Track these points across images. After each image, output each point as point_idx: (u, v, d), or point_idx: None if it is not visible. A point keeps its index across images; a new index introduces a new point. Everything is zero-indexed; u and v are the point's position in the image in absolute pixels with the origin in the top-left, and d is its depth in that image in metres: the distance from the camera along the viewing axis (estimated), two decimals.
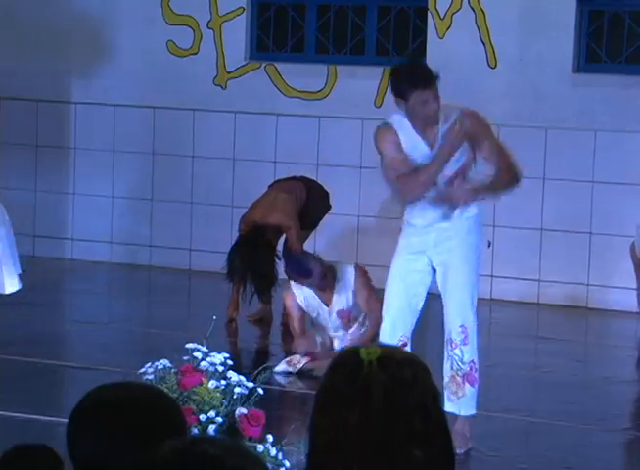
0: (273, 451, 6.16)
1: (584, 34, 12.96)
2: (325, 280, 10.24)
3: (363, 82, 13.36)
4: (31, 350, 10.16)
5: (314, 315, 10.32)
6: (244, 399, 6.30)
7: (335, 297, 10.25)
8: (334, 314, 10.20)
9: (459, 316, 8.31)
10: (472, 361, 8.18)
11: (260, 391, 6.41)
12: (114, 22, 14.25)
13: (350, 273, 10.30)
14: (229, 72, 13.91)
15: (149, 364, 6.40)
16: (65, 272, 13.98)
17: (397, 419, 2.76)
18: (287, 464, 6.08)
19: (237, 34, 13.93)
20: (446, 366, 8.37)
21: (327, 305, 10.26)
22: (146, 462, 2.47)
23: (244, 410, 6.23)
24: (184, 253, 14.07)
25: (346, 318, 10.15)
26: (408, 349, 8.04)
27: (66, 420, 3.34)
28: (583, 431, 9.03)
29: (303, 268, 10.20)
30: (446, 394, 8.27)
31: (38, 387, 9.16)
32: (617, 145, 12.56)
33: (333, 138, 13.33)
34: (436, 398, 2.85)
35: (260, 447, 6.10)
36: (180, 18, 14.07)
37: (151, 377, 6.32)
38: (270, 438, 6.25)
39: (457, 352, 8.34)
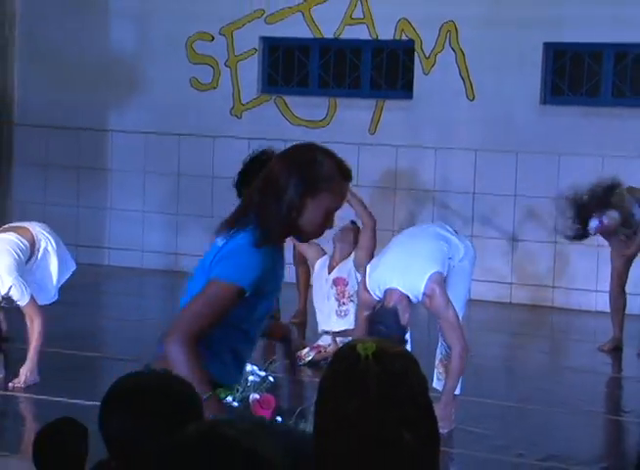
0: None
1: (549, 71, 12.95)
2: None
3: (359, 113, 13.34)
4: (72, 343, 10.14)
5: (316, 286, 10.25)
6: (256, 386, 6.26)
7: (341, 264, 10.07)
8: (331, 281, 10.06)
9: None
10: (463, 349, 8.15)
11: (271, 379, 6.36)
12: (145, 60, 14.26)
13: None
14: (244, 104, 13.92)
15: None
16: (102, 276, 13.99)
17: (390, 406, 2.74)
18: None
19: (250, 72, 13.94)
20: (437, 351, 8.38)
21: (329, 272, 10.14)
22: (173, 442, 2.38)
23: (256, 396, 6.20)
24: None
25: (341, 286, 9.96)
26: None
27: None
28: (549, 413, 9.02)
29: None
30: (435, 373, 8.31)
31: (77, 375, 9.15)
32: (577, 167, 12.52)
33: None
34: (424, 387, 2.83)
35: None
36: (201, 57, 14.08)
37: None
38: (279, 419, 6.19)
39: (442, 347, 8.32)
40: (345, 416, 2.75)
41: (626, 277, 10.89)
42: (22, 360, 8.94)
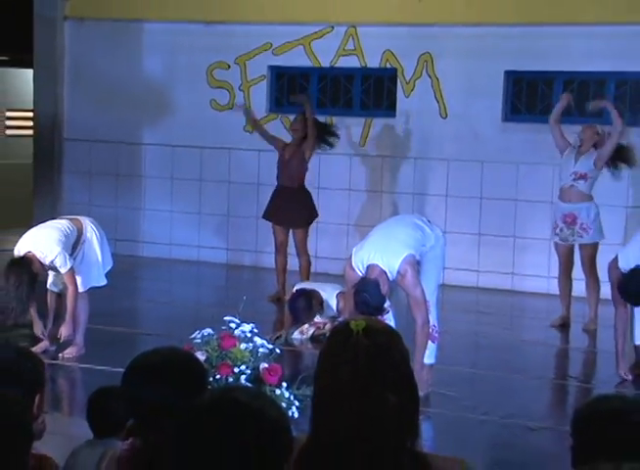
0: (287, 394, 6.14)
1: (509, 95, 12.94)
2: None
3: (351, 129, 13.33)
4: (113, 320, 10.15)
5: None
6: (265, 357, 6.27)
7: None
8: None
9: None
10: (433, 325, 8.12)
11: (278, 351, 6.37)
12: (173, 86, 14.24)
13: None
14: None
15: (197, 332, 6.37)
16: (137, 266, 13.95)
17: (376, 372, 2.78)
18: (297, 403, 6.03)
19: (260, 94, 13.92)
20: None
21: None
22: (193, 407, 2.40)
23: (265, 365, 6.20)
24: (224, 252, 14.04)
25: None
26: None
27: None
28: (510, 379, 9.01)
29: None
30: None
31: (116, 348, 9.13)
32: (532, 174, 12.54)
33: (329, 168, 13.29)
34: (406, 357, 2.88)
35: (278, 391, 6.08)
36: (219, 83, 14.05)
37: (199, 341, 6.28)
38: (285, 385, 6.22)
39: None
40: (340, 380, 2.78)
41: (572, 265, 10.89)
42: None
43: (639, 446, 3.11)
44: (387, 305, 7.90)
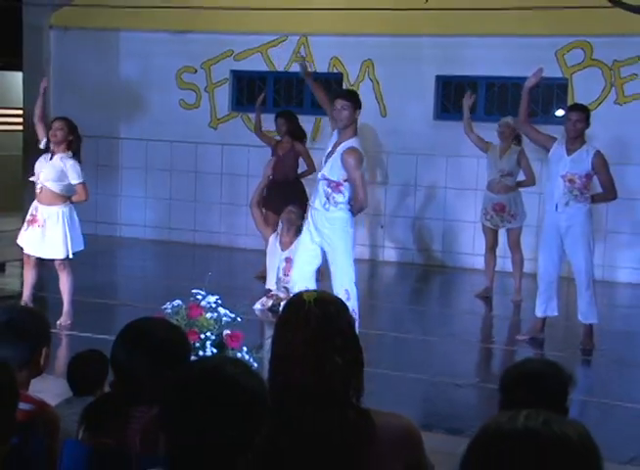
0: (247, 357, 6.10)
1: (440, 96, 12.97)
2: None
3: (304, 125, 13.29)
4: (93, 293, 10.07)
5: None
6: (228, 325, 6.24)
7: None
8: (284, 257, 9.93)
9: (341, 281, 7.82)
10: (353, 310, 8.08)
11: (239, 319, 6.33)
12: (147, 86, 14.16)
13: None
14: (218, 119, 13.87)
15: (168, 303, 6.33)
16: (115, 245, 13.92)
17: (325, 338, 2.79)
18: (255, 365, 5.98)
19: (223, 95, 13.88)
20: None
21: (282, 249, 9.99)
22: (182, 378, 2.36)
23: (228, 331, 6.17)
24: (192, 233, 14.00)
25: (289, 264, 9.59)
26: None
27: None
28: (441, 342, 9.03)
29: None
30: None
31: (96, 317, 9.08)
32: (459, 165, 12.59)
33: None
34: (352, 325, 2.90)
35: (239, 355, 6.05)
36: (187, 85, 14.00)
37: (169, 311, 6.23)
38: (245, 349, 6.19)
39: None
40: (294, 344, 2.79)
41: (497, 244, 10.93)
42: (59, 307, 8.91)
43: (557, 402, 3.19)
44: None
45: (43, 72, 14.59)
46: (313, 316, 2.81)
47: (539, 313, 8.81)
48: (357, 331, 2.87)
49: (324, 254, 7.91)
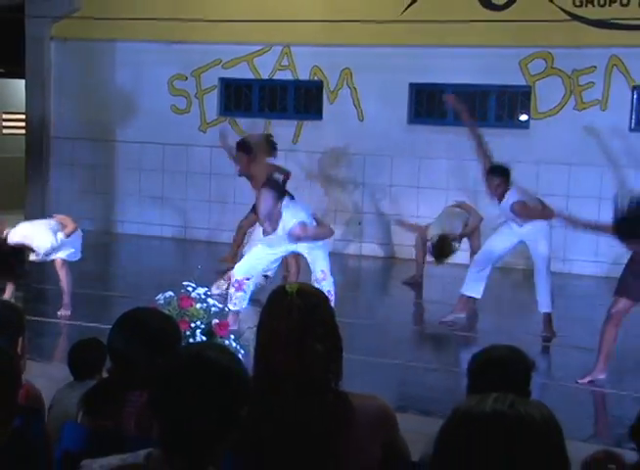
0: (233, 344, 6.09)
1: (413, 102, 12.97)
2: None
3: (286, 129, 13.30)
4: (91, 284, 10.06)
5: None
6: (217, 314, 6.23)
7: None
8: None
9: (321, 265, 8.39)
10: (328, 291, 8.22)
11: (227, 309, 6.32)
12: (140, 93, 14.10)
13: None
14: (208, 123, 13.83)
15: (161, 294, 6.31)
16: (111, 240, 13.90)
17: (307, 327, 2.78)
18: (242, 351, 5.98)
19: (212, 101, 13.85)
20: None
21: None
22: (170, 363, 2.36)
23: (217, 320, 6.16)
24: (183, 229, 13.98)
25: None
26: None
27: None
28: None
29: None
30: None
31: (94, 307, 9.06)
32: (431, 166, 12.61)
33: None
34: (332, 314, 2.89)
35: (226, 342, 6.03)
36: (179, 91, 13.96)
37: (162, 302, 6.21)
38: (232, 336, 6.18)
39: (319, 286, 8.39)
40: (278, 333, 2.78)
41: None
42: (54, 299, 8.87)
43: (520, 385, 3.21)
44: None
45: (44, 80, 14.59)
46: (295, 307, 2.80)
47: (471, 294, 9.00)
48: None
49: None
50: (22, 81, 15.16)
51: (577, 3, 11.84)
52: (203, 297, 6.24)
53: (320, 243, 8.44)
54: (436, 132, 12.61)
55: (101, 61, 14.29)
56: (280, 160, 13.31)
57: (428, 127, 12.73)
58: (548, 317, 8.76)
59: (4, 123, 17.72)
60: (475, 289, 9.04)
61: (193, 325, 6.08)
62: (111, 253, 13.48)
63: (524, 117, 12.51)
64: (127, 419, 3.09)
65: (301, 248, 8.46)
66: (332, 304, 8.02)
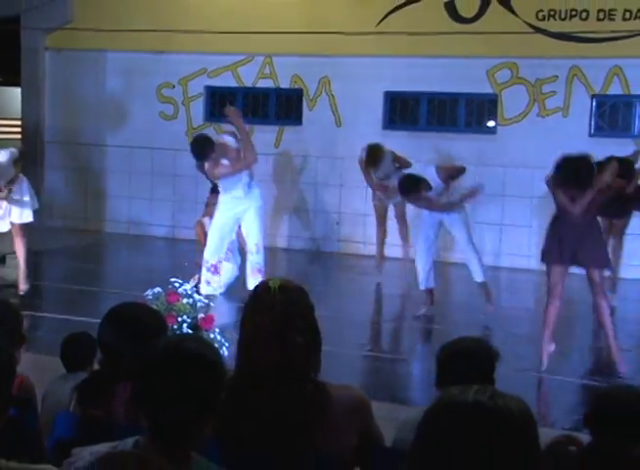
0: (218, 337, 6.07)
1: (388, 109, 12.99)
2: None
3: (268, 134, 13.29)
4: (82, 281, 10.02)
5: None
6: (202, 309, 6.21)
7: None
8: None
9: (254, 238, 8.77)
10: (258, 263, 8.31)
11: (212, 304, 6.31)
12: (130, 100, 14.06)
13: None
14: (194, 129, 13.77)
15: (149, 290, 6.28)
16: (102, 239, 13.81)
17: (288, 320, 2.79)
18: (226, 344, 5.97)
19: (198, 108, 13.83)
20: (247, 265, 8.87)
21: None
22: (148, 353, 2.35)
23: (202, 315, 6.14)
24: (171, 228, 13.93)
25: None
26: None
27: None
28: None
29: None
30: (248, 277, 8.79)
31: (84, 302, 9.01)
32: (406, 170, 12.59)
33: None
34: (312, 308, 2.90)
35: (212, 335, 6.02)
36: (166, 98, 13.92)
37: (150, 297, 6.19)
38: (217, 330, 6.16)
39: (252, 258, 8.44)
40: (261, 326, 2.80)
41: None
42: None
43: (486, 374, 3.23)
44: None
45: (39, 88, 14.53)
46: (278, 302, 2.81)
47: (426, 286, 9.07)
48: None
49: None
50: (18, 89, 15.14)
51: (540, 17, 11.89)
52: (189, 292, 6.22)
53: (256, 212, 8.74)
54: (409, 137, 12.63)
55: (93, 70, 14.24)
56: (262, 163, 13.31)
57: (401, 133, 12.74)
58: (486, 286, 8.97)
59: (1, 129, 17.65)
60: (430, 280, 9.06)
61: (180, 319, 6.05)
62: (101, 251, 13.41)
63: (491, 124, 12.55)
64: (117, 408, 3.08)
65: (245, 215, 8.78)
66: (262, 277, 8.04)
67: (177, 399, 2.21)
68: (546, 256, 7.04)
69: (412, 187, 8.48)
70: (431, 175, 8.73)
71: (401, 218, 11.20)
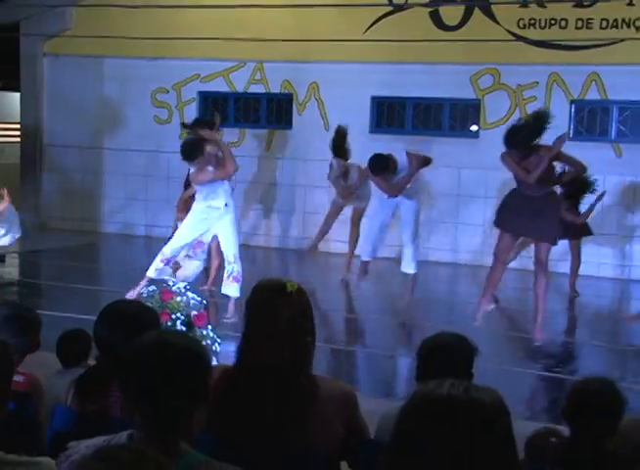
0: (211, 334, 6.07)
1: (374, 114, 13.00)
2: None
3: (259, 138, 13.31)
4: (79, 280, 9.99)
5: None
6: (195, 307, 6.20)
7: None
8: None
9: (232, 249, 8.65)
10: (237, 271, 8.34)
11: (205, 302, 6.31)
12: (126, 104, 14.04)
13: None
14: (187, 133, 13.71)
15: (145, 288, 6.28)
16: (98, 239, 13.77)
17: (303, 322, 2.90)
18: (219, 340, 5.97)
19: (191, 112, 13.78)
20: (225, 272, 8.75)
21: None
22: (132, 345, 2.35)
23: (195, 312, 6.13)
24: (166, 229, 13.91)
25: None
26: None
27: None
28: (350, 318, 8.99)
29: None
30: (224, 283, 8.67)
31: (80, 300, 8.99)
32: None
33: (243, 168, 13.21)
34: (310, 312, 2.97)
35: (205, 332, 6.01)
36: (161, 103, 13.91)
37: (145, 295, 6.19)
38: (210, 327, 6.15)
39: (230, 267, 8.47)
40: (274, 326, 2.87)
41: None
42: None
43: (465, 368, 3.25)
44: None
45: (37, 92, 14.50)
46: (295, 302, 2.88)
47: (364, 257, 9.30)
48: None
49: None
50: (18, 94, 15.11)
51: (522, 25, 11.93)
52: (182, 290, 6.21)
53: (231, 222, 8.65)
54: (395, 141, 12.61)
55: (90, 75, 14.21)
56: (254, 165, 13.33)
57: (387, 136, 12.75)
58: (414, 277, 9.09)
59: (1, 132, 17.61)
60: (369, 253, 9.34)
61: (174, 317, 6.04)
62: (97, 250, 13.37)
63: (474, 128, 12.58)
64: (113, 403, 3.08)
65: (217, 228, 8.70)
66: (238, 285, 7.98)
67: (162, 391, 2.21)
68: (500, 223, 7.16)
69: (382, 165, 8.84)
70: (401, 159, 8.97)
71: (355, 225, 11.18)
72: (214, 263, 10.06)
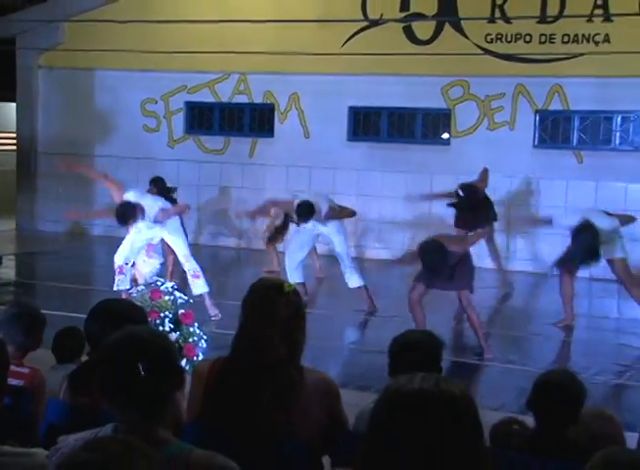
0: (198, 331, 6.05)
1: (351, 123, 13.01)
2: None
3: (243, 145, 13.29)
4: (71, 280, 9.95)
5: None
6: (182, 305, 6.18)
7: None
8: None
9: (182, 251, 8.74)
10: (194, 269, 8.58)
11: (191, 301, 6.28)
12: (116, 114, 13.99)
13: None
14: (175, 140, 13.77)
15: (134, 288, 6.25)
16: (89, 241, 13.71)
17: (297, 319, 2.91)
18: (205, 337, 5.95)
19: (179, 121, 13.78)
20: (187, 273, 8.71)
21: None
22: (108, 341, 2.33)
23: (182, 311, 6.11)
24: None
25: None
26: None
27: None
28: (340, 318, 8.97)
29: None
30: (190, 285, 8.64)
31: (73, 299, 8.95)
32: (368, 178, 12.65)
33: (228, 174, 13.25)
34: (303, 311, 3.00)
35: (192, 329, 5.98)
36: (150, 113, 13.87)
37: (135, 294, 6.16)
38: (196, 324, 6.13)
39: (186, 266, 8.60)
40: (271, 323, 2.87)
41: None
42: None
43: (434, 363, 3.27)
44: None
45: (33, 103, 14.43)
46: (292, 302, 2.90)
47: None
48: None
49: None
50: (14, 105, 15.03)
51: (489, 40, 12.00)
52: (170, 290, 6.19)
53: (174, 230, 8.73)
54: (372, 148, 12.67)
55: (82, 86, 14.16)
56: (237, 172, 13.31)
57: (364, 144, 12.78)
58: (366, 291, 9.08)
59: None
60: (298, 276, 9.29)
61: (162, 315, 6.01)
62: (90, 252, 13.31)
63: (445, 136, 12.62)
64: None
65: (164, 234, 8.75)
66: (201, 280, 7.92)
67: (135, 384, 2.19)
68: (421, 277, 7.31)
69: (307, 213, 9.20)
70: (324, 208, 9.30)
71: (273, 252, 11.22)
72: (170, 258, 10.07)
